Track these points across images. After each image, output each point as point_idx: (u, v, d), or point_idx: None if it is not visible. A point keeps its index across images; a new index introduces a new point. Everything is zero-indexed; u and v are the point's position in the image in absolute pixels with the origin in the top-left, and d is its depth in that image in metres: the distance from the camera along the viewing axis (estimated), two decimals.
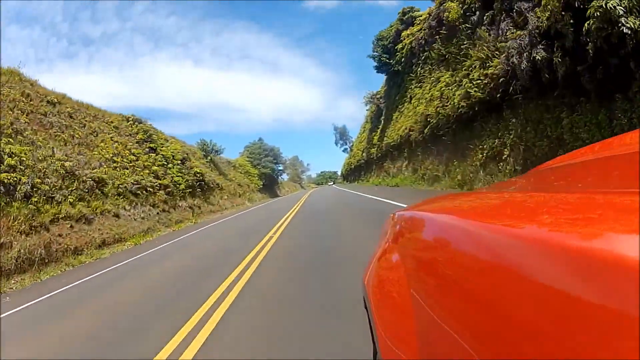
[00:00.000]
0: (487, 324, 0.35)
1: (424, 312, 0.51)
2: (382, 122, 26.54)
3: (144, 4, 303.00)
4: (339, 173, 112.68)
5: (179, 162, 19.63)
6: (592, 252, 0.26)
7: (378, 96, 29.68)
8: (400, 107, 20.97)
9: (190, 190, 19.00)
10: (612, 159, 0.64)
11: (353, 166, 45.96)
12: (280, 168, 54.61)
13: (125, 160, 14.78)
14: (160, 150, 18.80)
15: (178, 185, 18.12)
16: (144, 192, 14.34)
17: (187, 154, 21.53)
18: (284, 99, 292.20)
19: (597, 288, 0.25)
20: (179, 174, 18.88)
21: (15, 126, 9.50)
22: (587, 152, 0.87)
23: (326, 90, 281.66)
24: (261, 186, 38.15)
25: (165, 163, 18.49)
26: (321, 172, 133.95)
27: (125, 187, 13.03)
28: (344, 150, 65.77)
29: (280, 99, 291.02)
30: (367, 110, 35.95)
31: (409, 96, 19.22)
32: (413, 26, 19.47)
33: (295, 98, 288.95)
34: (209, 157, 27.16)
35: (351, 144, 58.72)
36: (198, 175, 20.52)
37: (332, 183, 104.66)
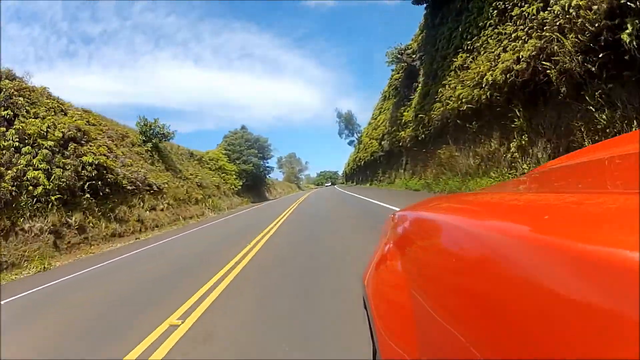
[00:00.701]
0: (489, 323, 0.35)
1: (424, 312, 0.50)
2: (421, 85, 15.54)
3: (143, 4, 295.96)
4: (341, 173, 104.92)
5: (56, 144, 10.76)
6: (592, 253, 0.27)
7: (409, 51, 18.64)
8: (465, 44, 10.94)
9: (63, 196, 9.54)
10: (612, 159, 0.64)
11: (363, 162, 34.49)
12: (269, 164, 41.75)
13: None
14: (23, 122, 10.31)
15: (30, 188, 9.42)
16: None
17: (84, 133, 11.97)
18: (284, 97, 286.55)
19: (597, 288, 0.25)
20: (43, 164, 9.99)
21: None
22: (587, 152, 0.86)
23: (327, 89, 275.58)
24: (240, 187, 29.40)
25: (19, 145, 9.82)
26: (321, 172, 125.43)
27: None
28: (349, 143, 50.71)
29: (280, 97, 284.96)
30: (392, 70, 22.93)
31: (493, 14, 9.46)
32: None
33: (296, 97, 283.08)
34: (152, 144, 17.65)
35: (359, 135, 45.36)
36: (90, 169, 10.91)
37: (329, 184, 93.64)
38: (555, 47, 6.18)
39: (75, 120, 11.92)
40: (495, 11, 9.31)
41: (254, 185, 35.56)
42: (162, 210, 14.63)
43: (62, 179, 9.85)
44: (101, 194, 11.29)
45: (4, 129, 9.61)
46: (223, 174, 27.73)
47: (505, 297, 0.34)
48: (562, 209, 0.42)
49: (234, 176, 29.26)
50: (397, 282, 0.68)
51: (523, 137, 7.60)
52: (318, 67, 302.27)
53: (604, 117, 5.40)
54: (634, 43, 4.66)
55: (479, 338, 0.36)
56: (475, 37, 10.50)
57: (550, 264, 0.30)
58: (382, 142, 23.80)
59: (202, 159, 26.61)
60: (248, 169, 33.37)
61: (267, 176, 43.09)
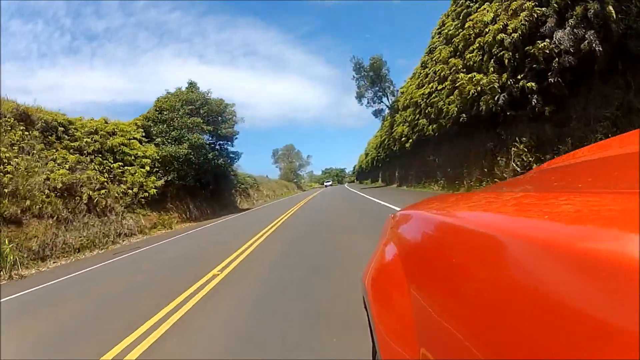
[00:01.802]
0: (489, 322, 0.35)
1: (424, 312, 0.51)
2: None
3: (145, 2, 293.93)
4: (349, 171, 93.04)
5: None
6: (592, 252, 0.27)
7: None
8: None
9: None
10: (612, 159, 0.64)
11: (412, 141, 17.62)
12: (234, 149, 21.31)
13: None
14: None
15: None
16: None
17: None
18: (289, 95, 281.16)
19: (598, 288, 0.25)
20: None
21: None
22: (587, 152, 0.87)
23: (332, 88, 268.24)
24: (155, 193, 14.17)
25: None
26: (326, 170, 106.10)
27: None
28: (376, 114, 28.66)
29: (285, 95, 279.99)
30: None
31: None
32: None
33: (300, 95, 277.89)
34: None
35: (393, 100, 25.85)
36: None
37: (329, 183, 76.90)
38: None
39: None
40: None
41: (204, 187, 18.67)
42: None
43: None
44: None
45: None
46: (118, 164, 13.35)
47: (505, 297, 0.34)
48: (562, 209, 0.42)
49: (147, 167, 14.57)
50: (397, 282, 0.68)
51: None
52: (324, 65, 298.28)
53: None
54: None
55: (479, 338, 0.36)
56: None
57: (550, 263, 0.30)
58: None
59: (57, 129, 11.56)
60: (181, 152, 16.05)
61: (235, 166, 23.73)
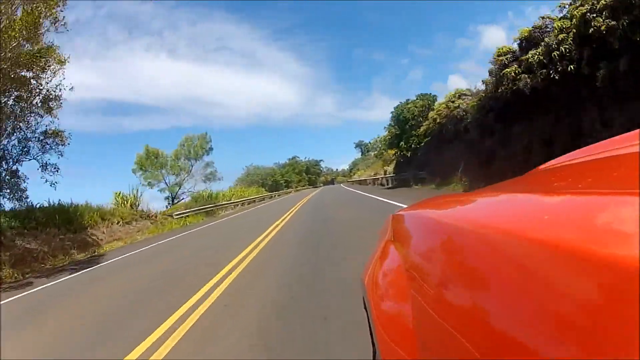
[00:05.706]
0: (488, 323, 0.35)
1: (424, 312, 0.51)
2: None
3: None
4: (337, 169, 75.25)
5: None
6: (592, 253, 0.27)
7: None
8: None
9: None
10: (612, 159, 0.64)
11: None
12: None
13: None
14: None
15: None
16: None
17: None
18: (264, 94, 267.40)
19: (598, 288, 0.25)
20: None
21: None
22: (587, 152, 0.86)
23: (307, 85, 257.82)
24: None
25: None
26: (292, 159, 64.96)
27: None
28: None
29: (259, 94, 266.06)
30: None
31: None
32: None
33: (275, 94, 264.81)
34: None
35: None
36: None
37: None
38: None
39: None
40: None
41: None
42: None
43: None
44: None
45: None
46: None
47: (505, 297, 0.34)
48: (562, 209, 0.42)
49: None
50: (397, 282, 0.67)
51: None
52: (298, 62, 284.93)
53: None
54: None
55: (479, 338, 0.36)
56: None
57: (551, 264, 0.30)
58: None
59: None
60: None
61: None
